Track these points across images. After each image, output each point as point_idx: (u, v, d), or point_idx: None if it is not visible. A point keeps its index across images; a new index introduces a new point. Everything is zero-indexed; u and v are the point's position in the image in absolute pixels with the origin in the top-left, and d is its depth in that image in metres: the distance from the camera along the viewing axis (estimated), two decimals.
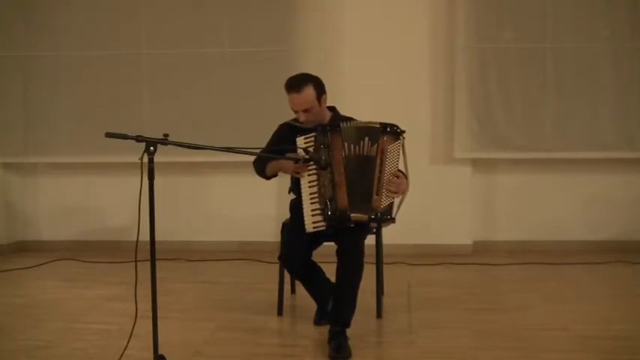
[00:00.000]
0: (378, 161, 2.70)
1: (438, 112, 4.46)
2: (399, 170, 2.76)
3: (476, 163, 4.49)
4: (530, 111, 4.34)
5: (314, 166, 2.71)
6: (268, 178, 3.00)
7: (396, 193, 2.73)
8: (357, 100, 4.13)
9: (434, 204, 4.37)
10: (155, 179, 2.19)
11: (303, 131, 2.78)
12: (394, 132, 2.74)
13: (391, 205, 2.74)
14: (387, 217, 2.73)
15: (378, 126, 2.73)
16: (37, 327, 3.02)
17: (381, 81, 4.39)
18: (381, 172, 2.70)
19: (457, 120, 4.37)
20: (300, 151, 2.67)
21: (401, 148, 2.74)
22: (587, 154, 4.33)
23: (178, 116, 4.45)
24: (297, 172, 2.77)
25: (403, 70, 4.41)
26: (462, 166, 4.45)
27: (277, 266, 3.11)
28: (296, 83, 2.76)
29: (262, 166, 2.97)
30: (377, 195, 2.70)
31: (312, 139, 2.72)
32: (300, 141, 2.74)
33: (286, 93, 2.78)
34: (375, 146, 2.70)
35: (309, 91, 2.76)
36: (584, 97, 4.30)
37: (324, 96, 2.83)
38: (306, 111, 2.77)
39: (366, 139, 2.71)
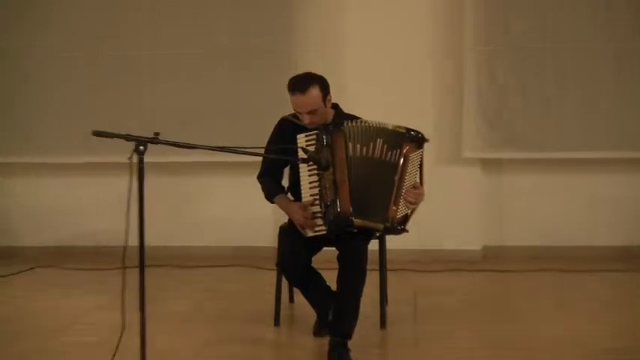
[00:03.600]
0: (400, 169, 2.70)
1: (444, 109, 4.45)
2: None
3: (485, 164, 4.49)
4: (544, 107, 4.32)
5: (314, 167, 2.70)
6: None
7: (414, 204, 2.74)
8: (358, 97, 4.11)
9: (441, 207, 4.35)
10: (145, 180, 2.19)
11: (304, 129, 2.78)
12: (418, 139, 2.74)
13: (406, 216, 2.75)
14: (401, 228, 2.74)
15: (403, 131, 2.73)
16: (14, 343, 2.99)
17: (383, 76, 4.39)
18: (400, 180, 2.70)
19: (465, 117, 4.36)
20: (300, 151, 2.66)
21: (422, 157, 2.75)
22: (607, 154, 4.31)
23: (170, 114, 4.44)
24: (303, 227, 2.77)
25: (407, 65, 4.39)
26: (471, 166, 4.44)
27: (274, 273, 3.11)
28: (301, 83, 2.75)
29: (270, 193, 2.97)
30: (394, 205, 2.70)
31: (314, 137, 2.72)
32: (301, 139, 2.73)
33: (289, 93, 2.77)
34: (396, 152, 2.70)
35: (315, 92, 2.75)
36: (603, 93, 4.27)
37: (329, 96, 2.83)
38: (310, 113, 2.77)
39: (380, 141, 2.70)
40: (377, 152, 2.71)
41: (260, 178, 3.03)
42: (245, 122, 4.36)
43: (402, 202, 2.73)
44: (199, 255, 4.56)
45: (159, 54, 4.47)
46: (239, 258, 4.47)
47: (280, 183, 3.03)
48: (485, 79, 4.31)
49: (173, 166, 4.52)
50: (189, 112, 4.47)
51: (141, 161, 2.17)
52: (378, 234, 2.92)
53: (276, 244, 3.11)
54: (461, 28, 4.31)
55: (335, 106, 2.95)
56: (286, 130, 2.90)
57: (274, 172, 3.01)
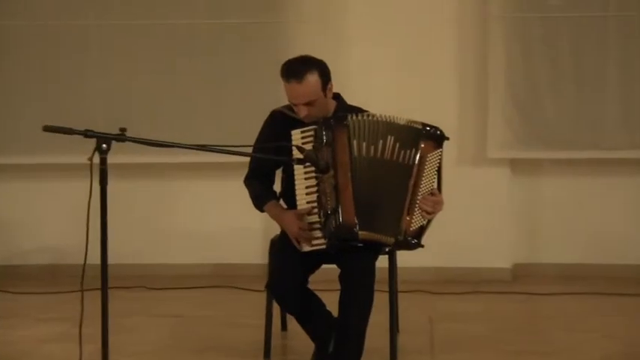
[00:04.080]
0: (415, 172, 2.71)
1: (466, 99, 4.45)
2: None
3: (516, 164, 4.49)
4: (587, 97, 4.31)
5: (312, 168, 2.70)
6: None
7: (431, 214, 2.75)
8: (365, 85, 4.12)
9: (462, 217, 4.35)
10: (109, 186, 2.18)
11: (300, 123, 2.77)
12: (437, 136, 2.75)
13: (422, 228, 2.76)
14: (415, 242, 2.74)
15: (419, 126, 2.73)
16: None
17: (395, 60, 4.38)
18: (416, 185, 2.71)
19: (491, 109, 4.36)
20: (295, 149, 2.65)
21: (441, 158, 2.75)
22: None
23: (139, 106, 4.43)
24: (298, 241, 2.77)
25: (423, 47, 4.40)
26: (498, 167, 4.45)
27: (264, 296, 3.10)
28: (297, 70, 2.75)
29: (259, 200, 2.96)
30: (408, 214, 2.71)
31: (312, 133, 2.72)
32: (296, 135, 2.73)
33: (283, 81, 2.77)
34: (410, 152, 2.72)
35: (314, 80, 2.75)
36: None
37: (329, 84, 2.83)
38: (308, 104, 2.76)
39: (390, 139, 2.71)
40: (387, 152, 2.72)
41: (247, 181, 3.03)
42: (229, 115, 4.36)
43: (417, 211, 2.74)
44: (174, 274, 4.55)
45: (128, 26, 4.43)
46: (221, 278, 4.46)
47: (271, 187, 3.03)
48: (515, 59, 4.30)
49: (143, 168, 4.52)
50: (161, 103, 4.46)
51: (103, 162, 2.16)
52: (387, 249, 2.91)
53: (265, 261, 3.11)
54: None
55: (337, 97, 2.94)
56: (278, 124, 2.90)
57: (264, 175, 3.01)
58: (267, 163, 2.95)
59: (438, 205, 2.77)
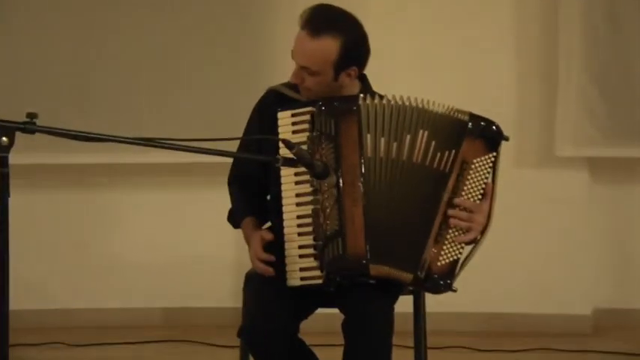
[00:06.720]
0: (451, 183, 2.69)
1: (528, 77, 4.49)
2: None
3: (597, 167, 4.52)
4: None
5: (304, 170, 2.66)
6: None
7: (469, 241, 2.71)
8: (388, 63, 4.12)
9: (520, 240, 4.39)
10: (11, 197, 2.15)
11: (294, 103, 2.77)
12: (491, 133, 2.72)
13: (455, 262, 2.71)
14: (444, 282, 2.70)
15: (464, 117, 2.71)
16: None
17: (429, 28, 4.44)
18: (449, 203, 2.69)
19: (562, 90, 4.39)
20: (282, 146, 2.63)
21: (494, 165, 2.71)
22: None
23: (56, 82, 4.45)
24: (260, 269, 2.78)
25: (468, 12, 4.44)
26: (572, 170, 4.49)
27: (236, 353, 3.09)
28: (319, 21, 2.73)
29: (234, 216, 3.00)
30: (436, 243, 2.69)
31: (307, 117, 2.71)
32: (285, 120, 2.72)
33: (299, 26, 2.75)
34: (449, 154, 2.69)
35: (330, 47, 2.72)
36: None
37: (352, 69, 2.79)
38: (306, 70, 2.75)
39: (422, 134, 2.69)
40: (417, 153, 2.70)
41: (229, 186, 3.06)
42: (199, 96, 4.38)
43: (449, 237, 2.70)
44: (107, 325, 4.56)
45: None
46: (175, 329, 4.49)
47: (254, 197, 3.02)
48: (596, 20, 4.32)
49: (62, 172, 4.55)
50: (90, 79, 4.48)
51: (4, 164, 2.14)
52: (409, 288, 2.90)
53: (238, 304, 3.08)
54: None
55: (362, 78, 2.92)
56: (270, 107, 2.87)
57: (246, 178, 3.02)
58: (249, 161, 2.98)
59: (476, 225, 2.72)
